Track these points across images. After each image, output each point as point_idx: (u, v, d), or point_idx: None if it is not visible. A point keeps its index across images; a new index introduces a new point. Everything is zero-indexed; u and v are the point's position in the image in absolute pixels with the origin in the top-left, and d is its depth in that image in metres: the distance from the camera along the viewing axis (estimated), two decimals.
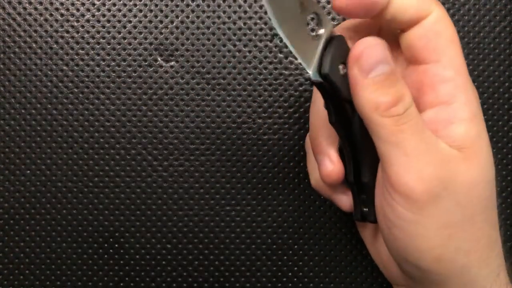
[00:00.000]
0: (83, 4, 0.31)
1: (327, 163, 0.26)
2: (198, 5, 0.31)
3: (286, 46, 0.31)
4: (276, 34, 0.22)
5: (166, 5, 0.31)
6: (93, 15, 0.31)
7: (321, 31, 0.23)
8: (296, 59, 0.22)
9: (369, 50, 0.22)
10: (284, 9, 0.21)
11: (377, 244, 0.28)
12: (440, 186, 0.21)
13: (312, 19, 0.23)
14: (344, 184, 0.27)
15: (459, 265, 0.22)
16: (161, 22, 0.31)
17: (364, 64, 0.22)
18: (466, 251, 0.22)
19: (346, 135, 0.25)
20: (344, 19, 0.31)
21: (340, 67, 0.23)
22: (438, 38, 0.23)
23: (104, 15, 0.31)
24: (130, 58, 0.31)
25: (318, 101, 0.26)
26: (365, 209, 0.25)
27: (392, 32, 0.25)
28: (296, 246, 0.32)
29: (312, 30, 0.24)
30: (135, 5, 0.31)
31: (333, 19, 0.31)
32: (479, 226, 0.23)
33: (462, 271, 0.23)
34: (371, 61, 0.22)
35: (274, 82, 0.31)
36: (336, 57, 0.22)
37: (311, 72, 0.22)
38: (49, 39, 0.31)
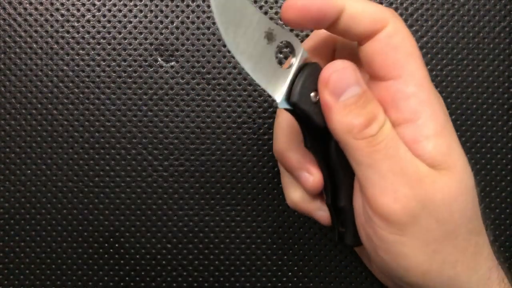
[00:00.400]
0: (83, 4, 0.31)
1: (306, 175, 0.25)
2: (198, 6, 0.31)
3: (286, 46, 0.31)
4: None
5: (167, 6, 0.31)
6: (94, 16, 0.31)
7: (293, 59, 0.23)
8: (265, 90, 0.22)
9: (338, 74, 0.22)
10: (248, 43, 0.21)
11: (372, 262, 0.28)
12: (418, 206, 0.21)
13: (287, 47, 0.22)
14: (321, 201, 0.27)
15: (446, 277, 0.22)
16: (161, 22, 0.31)
17: (334, 88, 0.22)
18: (452, 263, 0.22)
19: (323, 159, 0.24)
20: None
21: (312, 94, 0.23)
22: (396, 53, 0.22)
23: (104, 16, 0.31)
24: (131, 58, 0.31)
25: (281, 118, 0.26)
26: (342, 229, 0.25)
27: (350, 47, 0.25)
28: (296, 246, 0.32)
29: (285, 58, 0.24)
30: (136, 5, 0.31)
31: None
32: (464, 238, 0.22)
33: (450, 282, 0.23)
34: (341, 85, 0.22)
35: None
36: (307, 84, 0.22)
37: (278, 100, 0.22)
38: (49, 39, 0.31)
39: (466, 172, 0.23)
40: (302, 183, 0.26)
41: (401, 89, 0.22)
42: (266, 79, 0.22)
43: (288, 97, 0.22)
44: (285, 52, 0.31)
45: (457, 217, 0.22)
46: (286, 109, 0.23)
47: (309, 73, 0.23)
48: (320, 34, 0.26)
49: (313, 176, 0.25)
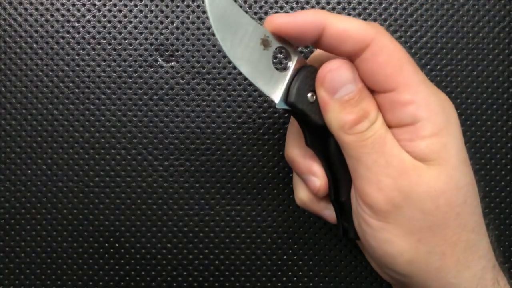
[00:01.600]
0: (84, 5, 0.31)
1: (313, 179, 0.26)
2: (198, 6, 0.31)
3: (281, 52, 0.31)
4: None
5: (167, 6, 0.31)
6: (94, 16, 0.31)
7: (289, 63, 0.24)
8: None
9: (333, 72, 0.23)
10: (244, 50, 0.22)
11: (364, 251, 0.29)
12: (400, 196, 0.22)
13: (281, 52, 0.24)
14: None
15: (434, 268, 0.23)
16: (161, 22, 0.32)
17: (330, 85, 0.23)
18: (439, 254, 0.23)
19: (323, 156, 0.26)
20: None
21: (309, 94, 0.24)
22: (385, 69, 0.23)
23: (105, 16, 0.31)
24: (131, 58, 0.31)
25: (293, 126, 0.27)
26: (345, 224, 0.26)
27: None
28: (296, 246, 0.32)
29: (280, 63, 0.27)
30: (136, 6, 0.31)
31: None
32: (454, 231, 0.23)
33: (438, 274, 0.23)
34: (336, 83, 0.23)
35: None
36: (304, 85, 0.24)
37: (276, 101, 0.24)
38: (50, 39, 0.31)
39: (460, 169, 0.23)
40: (309, 186, 0.27)
41: (397, 99, 0.23)
42: (264, 83, 0.23)
43: (286, 98, 0.24)
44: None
45: (444, 211, 0.23)
46: (285, 110, 0.24)
47: (306, 75, 0.24)
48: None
49: (320, 179, 0.26)
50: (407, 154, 0.23)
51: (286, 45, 0.24)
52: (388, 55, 0.23)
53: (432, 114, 0.23)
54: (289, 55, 0.24)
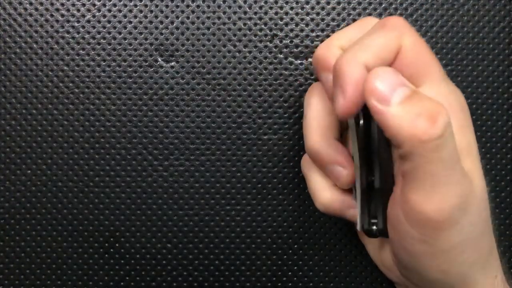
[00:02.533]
0: (83, 4, 0.31)
1: (339, 169, 0.25)
2: (198, 6, 0.31)
3: (286, 47, 0.31)
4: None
5: (167, 6, 0.31)
6: (94, 16, 0.31)
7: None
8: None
9: (380, 79, 0.20)
10: None
11: (382, 252, 0.28)
12: (459, 213, 0.21)
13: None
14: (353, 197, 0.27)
15: (463, 274, 0.23)
16: (161, 22, 0.31)
17: (381, 94, 0.20)
18: (471, 263, 0.23)
19: (362, 141, 0.24)
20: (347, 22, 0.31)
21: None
22: (414, 68, 0.22)
23: (104, 16, 0.31)
24: (131, 58, 0.31)
25: (313, 119, 0.26)
26: (373, 220, 0.25)
27: None
28: (296, 246, 0.32)
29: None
30: (136, 6, 0.31)
31: (327, 25, 0.32)
32: (487, 238, 0.23)
33: (465, 279, 0.23)
34: (387, 88, 0.20)
35: (274, 82, 0.32)
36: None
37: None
38: (49, 39, 0.31)
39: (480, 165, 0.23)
40: (334, 177, 0.26)
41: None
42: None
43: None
44: (285, 52, 0.31)
45: (485, 218, 0.22)
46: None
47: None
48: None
49: (346, 169, 0.25)
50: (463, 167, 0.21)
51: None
52: (417, 53, 0.22)
53: (452, 111, 0.22)
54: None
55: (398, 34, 0.22)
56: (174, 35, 0.31)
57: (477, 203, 0.22)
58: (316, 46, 0.29)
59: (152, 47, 0.31)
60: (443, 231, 0.21)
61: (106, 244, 0.31)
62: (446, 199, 0.20)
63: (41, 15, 0.31)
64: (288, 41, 0.32)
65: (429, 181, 0.20)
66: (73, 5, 0.31)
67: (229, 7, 0.31)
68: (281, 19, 0.32)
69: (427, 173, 0.20)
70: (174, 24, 0.31)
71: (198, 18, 0.31)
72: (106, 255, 0.31)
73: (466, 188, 0.21)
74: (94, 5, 0.31)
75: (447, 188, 0.20)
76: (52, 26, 0.31)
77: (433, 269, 0.22)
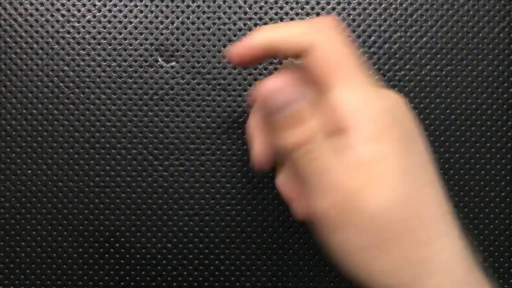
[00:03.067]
0: (84, 5, 0.32)
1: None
2: (198, 6, 0.32)
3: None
4: None
5: (167, 6, 0.32)
6: (94, 16, 0.31)
7: None
8: None
9: (271, 95, 0.23)
10: None
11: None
12: (339, 218, 0.21)
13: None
14: None
15: (385, 285, 0.22)
16: (162, 23, 0.32)
17: (270, 107, 0.23)
18: (388, 271, 0.21)
19: None
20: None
21: None
22: (320, 70, 0.22)
23: (105, 16, 0.31)
24: (131, 58, 0.31)
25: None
26: None
27: None
28: (296, 246, 0.32)
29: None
30: (136, 6, 0.32)
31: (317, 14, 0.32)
32: (406, 247, 0.21)
33: None
34: (275, 104, 0.23)
35: None
36: None
37: None
38: (50, 39, 0.31)
39: (403, 182, 0.22)
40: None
41: (328, 103, 0.22)
42: None
43: None
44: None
45: (389, 227, 0.22)
46: None
47: None
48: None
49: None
50: (346, 175, 0.21)
51: None
52: (324, 56, 0.22)
53: (360, 120, 0.21)
54: None
55: (313, 30, 0.22)
56: (175, 35, 0.32)
57: (367, 215, 0.21)
58: None
59: (153, 47, 0.32)
60: (332, 231, 0.22)
61: (107, 244, 0.31)
62: (320, 203, 0.22)
63: (42, 15, 0.31)
64: None
65: (308, 186, 0.22)
66: (74, 5, 0.31)
67: (230, 7, 0.31)
68: (281, 19, 0.32)
69: (304, 175, 0.22)
70: (175, 25, 0.32)
71: (198, 18, 0.32)
72: (106, 255, 0.31)
73: (344, 198, 0.21)
74: (94, 5, 0.32)
75: (321, 195, 0.22)
76: (52, 27, 0.31)
77: (352, 274, 0.22)
